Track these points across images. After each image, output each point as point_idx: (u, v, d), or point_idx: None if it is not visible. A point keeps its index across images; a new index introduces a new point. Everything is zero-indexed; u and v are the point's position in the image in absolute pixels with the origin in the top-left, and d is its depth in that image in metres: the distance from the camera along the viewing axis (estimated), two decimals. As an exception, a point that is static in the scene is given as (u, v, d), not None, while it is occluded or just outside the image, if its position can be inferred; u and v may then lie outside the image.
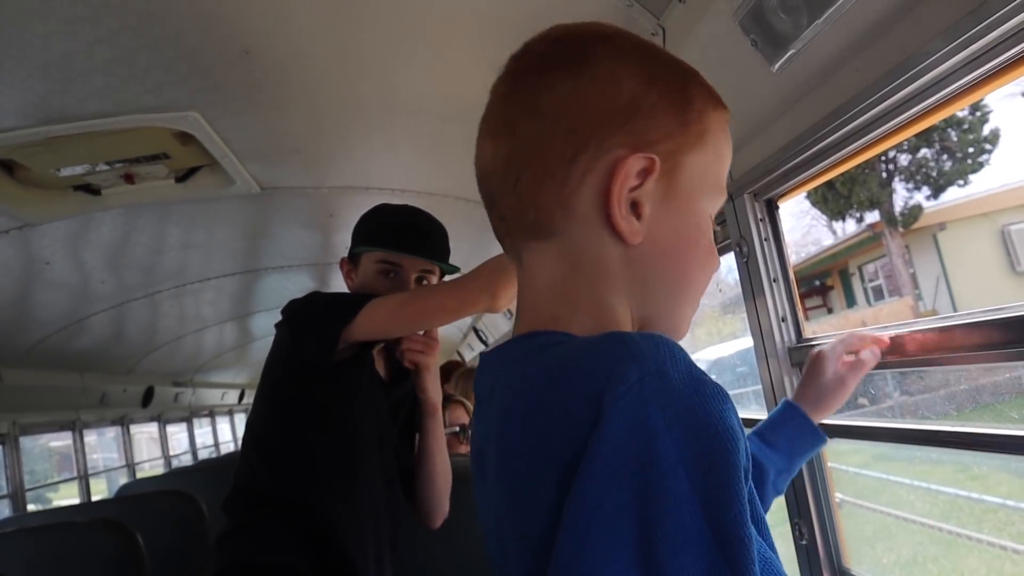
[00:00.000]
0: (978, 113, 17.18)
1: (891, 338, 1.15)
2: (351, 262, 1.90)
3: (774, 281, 1.45)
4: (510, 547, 0.61)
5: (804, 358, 1.39)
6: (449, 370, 4.50)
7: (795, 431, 1.11)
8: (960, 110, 1.05)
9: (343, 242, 2.13)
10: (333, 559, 1.70)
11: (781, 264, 1.45)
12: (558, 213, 0.70)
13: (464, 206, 3.30)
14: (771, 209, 1.46)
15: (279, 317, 1.77)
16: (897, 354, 1.14)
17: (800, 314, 1.44)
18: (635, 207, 0.69)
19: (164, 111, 2.10)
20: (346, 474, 1.76)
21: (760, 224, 1.46)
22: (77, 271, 3.42)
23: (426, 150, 2.68)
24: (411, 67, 1.96)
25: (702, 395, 0.53)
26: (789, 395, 1.42)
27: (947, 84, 0.98)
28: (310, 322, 1.71)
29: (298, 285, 4.56)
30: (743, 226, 1.49)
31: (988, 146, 17.74)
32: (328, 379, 1.72)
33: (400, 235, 1.86)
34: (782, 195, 1.44)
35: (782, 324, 1.44)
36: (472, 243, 3.87)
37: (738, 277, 1.55)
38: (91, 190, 2.72)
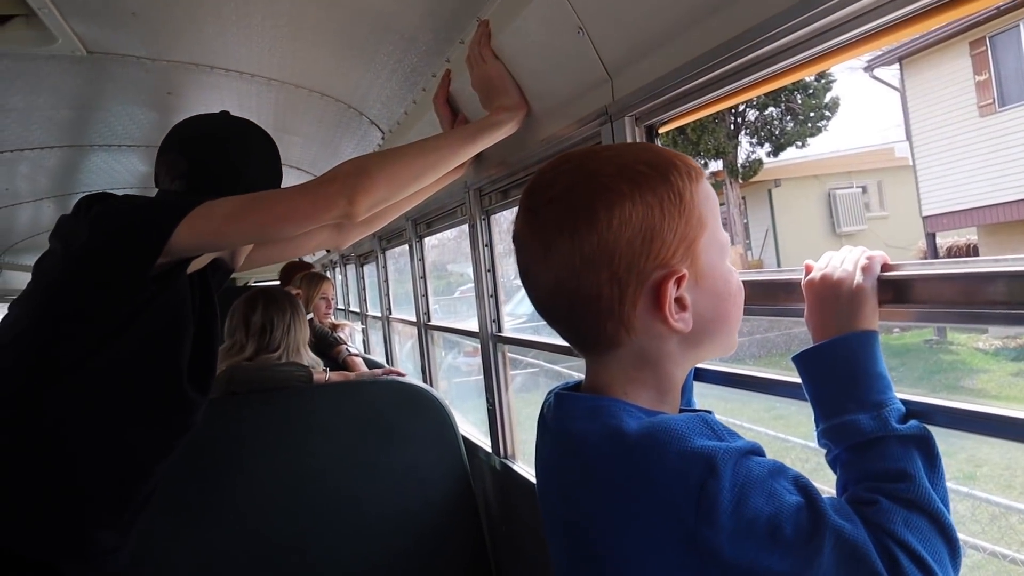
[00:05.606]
0: (823, 80, 18.01)
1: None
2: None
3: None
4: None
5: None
6: (290, 271, 4.30)
7: None
8: (859, 55, 1.00)
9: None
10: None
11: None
12: (622, 333, 0.85)
13: (318, 100, 3.07)
14: (651, 136, 1.39)
15: None
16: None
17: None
18: (679, 302, 0.84)
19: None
20: (137, 406, 1.55)
21: (638, 150, 1.39)
22: None
23: (282, 34, 2.44)
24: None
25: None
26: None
27: (850, 28, 0.93)
28: (124, 226, 1.45)
29: (128, 168, 4.17)
30: (619, 151, 1.41)
31: (828, 113, 18.70)
32: (134, 298, 1.46)
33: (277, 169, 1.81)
34: (664, 123, 1.37)
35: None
36: (323, 142, 3.64)
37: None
38: None
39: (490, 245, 2.35)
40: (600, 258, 0.82)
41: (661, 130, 1.39)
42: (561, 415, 0.91)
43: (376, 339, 5.23)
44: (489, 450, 2.53)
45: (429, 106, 2.24)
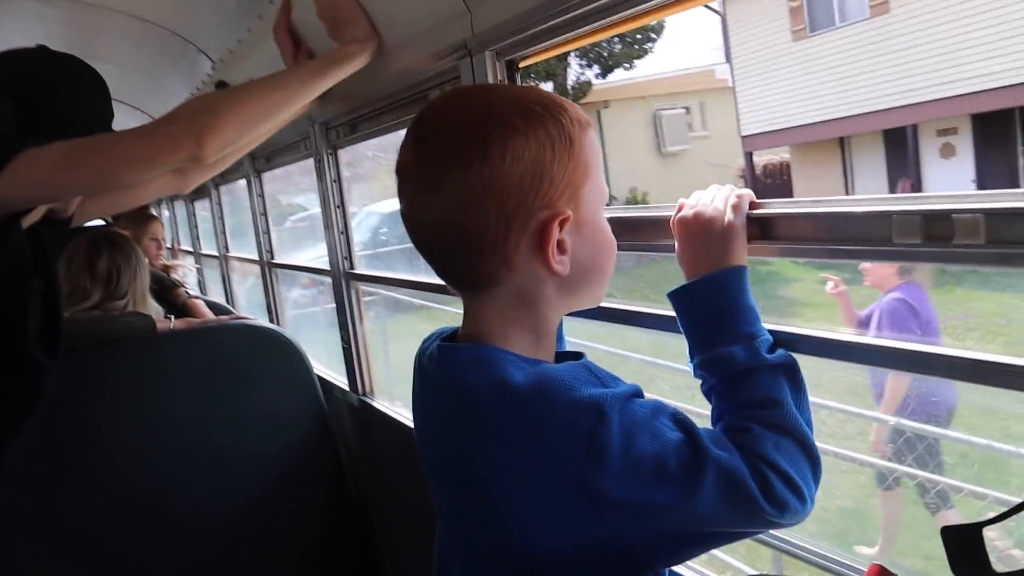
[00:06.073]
0: (648, 2, 18.38)
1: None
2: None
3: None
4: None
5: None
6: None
7: None
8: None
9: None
10: None
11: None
12: (503, 270, 0.85)
13: (136, 26, 2.83)
14: (512, 71, 1.38)
15: None
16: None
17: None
18: (559, 245, 0.84)
19: None
20: None
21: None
22: None
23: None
24: None
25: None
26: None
27: None
28: None
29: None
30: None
31: (653, 35, 19.18)
32: None
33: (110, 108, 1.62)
34: (526, 57, 1.35)
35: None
36: (144, 71, 3.39)
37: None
38: None
39: (338, 180, 2.27)
40: (490, 193, 0.81)
41: (522, 65, 1.38)
42: (446, 367, 0.90)
43: (212, 277, 5.01)
44: (345, 388, 2.51)
45: (266, 35, 2.12)
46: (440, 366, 0.91)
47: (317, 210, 2.38)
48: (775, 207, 0.96)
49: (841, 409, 4.30)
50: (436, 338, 0.97)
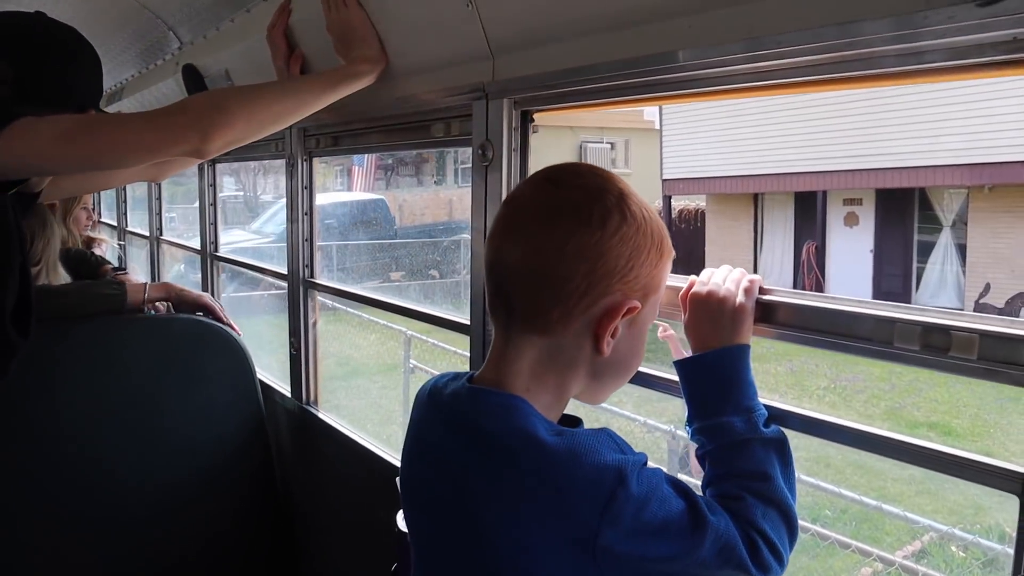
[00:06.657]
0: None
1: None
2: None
3: (514, 193, 1.44)
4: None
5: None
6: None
7: None
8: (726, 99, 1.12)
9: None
10: None
11: (523, 177, 1.45)
12: (559, 324, 0.93)
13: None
14: (525, 121, 1.44)
15: None
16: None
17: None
18: (614, 330, 0.93)
19: None
20: None
21: (513, 133, 1.43)
22: None
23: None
24: None
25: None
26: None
27: (731, 81, 1.09)
28: None
29: None
30: (493, 130, 1.44)
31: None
32: None
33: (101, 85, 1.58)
34: (540, 111, 1.42)
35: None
36: (99, 38, 3.29)
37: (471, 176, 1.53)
38: None
39: (310, 187, 2.27)
40: (590, 254, 0.90)
41: (536, 116, 1.44)
42: (474, 412, 0.96)
43: (134, 256, 4.85)
44: (286, 393, 2.51)
45: (252, 30, 2.11)
46: (467, 408, 0.97)
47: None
48: (782, 296, 1.05)
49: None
50: (451, 379, 1.02)
